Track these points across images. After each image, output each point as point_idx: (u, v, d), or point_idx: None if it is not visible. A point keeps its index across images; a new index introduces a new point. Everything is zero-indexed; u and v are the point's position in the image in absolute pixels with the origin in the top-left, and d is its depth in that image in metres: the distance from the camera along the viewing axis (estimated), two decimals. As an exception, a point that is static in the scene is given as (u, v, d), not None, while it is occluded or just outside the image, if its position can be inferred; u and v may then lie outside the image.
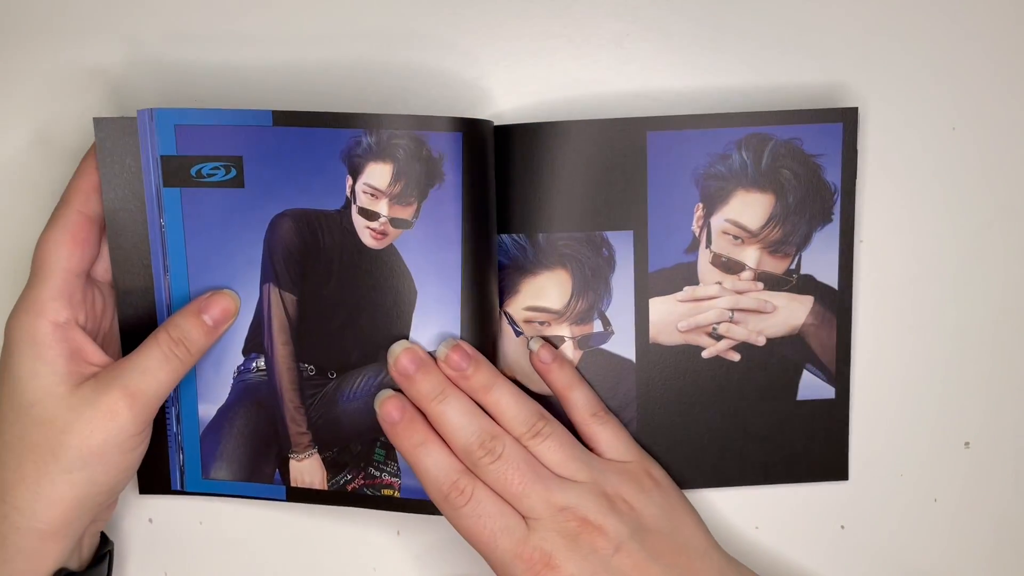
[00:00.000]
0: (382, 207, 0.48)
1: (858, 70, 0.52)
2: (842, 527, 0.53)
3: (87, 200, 0.47)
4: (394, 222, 0.48)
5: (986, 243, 0.52)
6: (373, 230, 0.48)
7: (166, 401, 0.50)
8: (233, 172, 0.48)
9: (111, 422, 0.44)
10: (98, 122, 0.47)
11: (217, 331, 0.48)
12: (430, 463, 0.46)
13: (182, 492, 0.51)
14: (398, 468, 0.50)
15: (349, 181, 0.48)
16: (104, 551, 0.50)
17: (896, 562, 0.53)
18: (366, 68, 0.53)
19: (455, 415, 0.46)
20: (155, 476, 0.51)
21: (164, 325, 0.47)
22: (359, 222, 0.48)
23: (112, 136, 0.47)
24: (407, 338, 0.48)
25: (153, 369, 0.45)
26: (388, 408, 0.47)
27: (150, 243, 0.49)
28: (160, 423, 0.50)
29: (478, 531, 0.45)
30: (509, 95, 0.52)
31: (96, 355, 0.47)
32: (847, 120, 0.49)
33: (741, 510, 0.53)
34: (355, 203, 0.48)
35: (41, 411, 0.44)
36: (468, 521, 0.45)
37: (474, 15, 0.52)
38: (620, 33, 0.52)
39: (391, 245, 0.48)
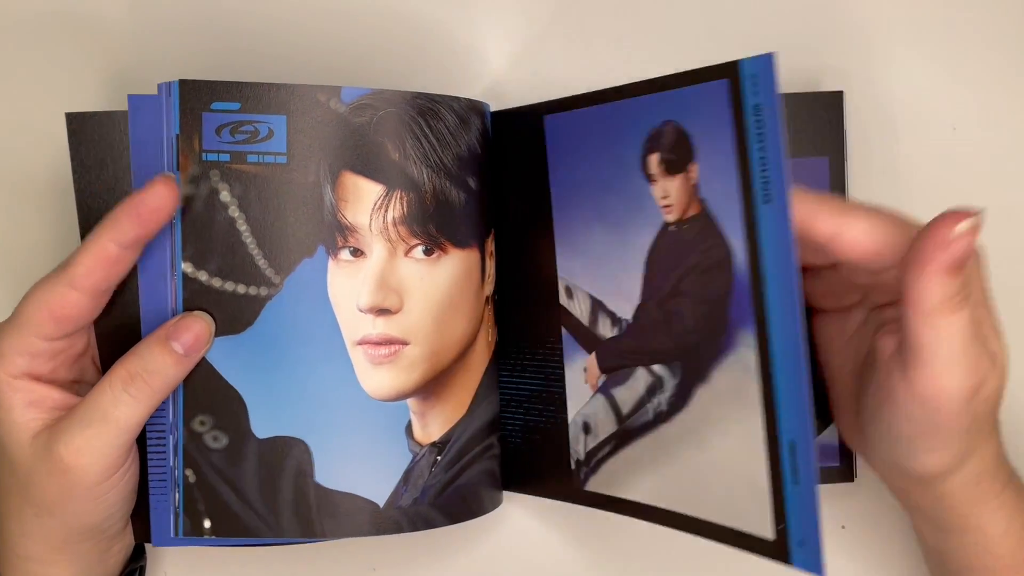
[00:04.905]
0: None
1: (860, 70, 0.53)
2: (842, 527, 0.53)
3: (88, 275, 0.40)
4: None
5: (986, 243, 0.53)
6: None
7: (163, 429, 0.44)
8: None
9: (62, 479, 0.41)
10: (71, 117, 0.43)
11: (189, 361, 0.42)
12: None
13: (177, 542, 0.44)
14: None
15: None
16: (134, 566, 0.47)
17: (896, 562, 0.53)
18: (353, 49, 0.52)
19: None
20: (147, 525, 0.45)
21: (122, 359, 0.41)
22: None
23: (88, 132, 0.43)
24: None
25: (98, 419, 0.40)
26: None
27: (155, 240, 0.42)
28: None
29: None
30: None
31: (63, 400, 0.42)
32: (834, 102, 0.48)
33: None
34: None
35: (10, 455, 0.42)
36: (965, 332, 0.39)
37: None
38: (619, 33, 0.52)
39: None
